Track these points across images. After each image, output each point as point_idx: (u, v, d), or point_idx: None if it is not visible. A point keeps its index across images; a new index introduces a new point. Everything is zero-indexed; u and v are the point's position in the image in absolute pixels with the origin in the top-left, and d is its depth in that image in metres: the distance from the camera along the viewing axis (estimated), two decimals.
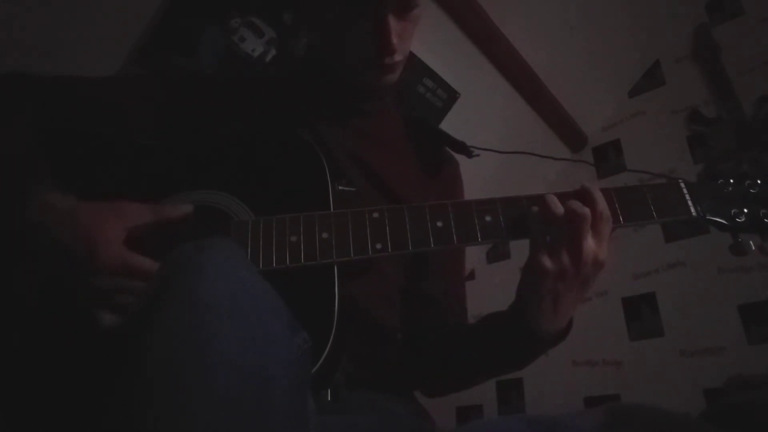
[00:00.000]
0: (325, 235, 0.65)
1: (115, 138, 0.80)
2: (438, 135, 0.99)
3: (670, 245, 1.98)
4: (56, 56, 1.30)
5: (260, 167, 0.75)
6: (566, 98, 2.21)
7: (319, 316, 0.63)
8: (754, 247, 0.72)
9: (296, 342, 0.52)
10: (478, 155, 0.96)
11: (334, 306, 0.64)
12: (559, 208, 0.65)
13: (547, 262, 0.66)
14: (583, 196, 0.67)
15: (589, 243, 0.65)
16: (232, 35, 1.52)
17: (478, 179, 1.46)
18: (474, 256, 2.45)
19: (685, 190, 0.72)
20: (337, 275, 0.66)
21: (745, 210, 0.72)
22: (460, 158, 1.01)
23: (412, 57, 1.00)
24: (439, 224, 0.67)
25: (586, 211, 0.64)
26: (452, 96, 1.93)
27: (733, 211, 0.72)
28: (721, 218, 0.72)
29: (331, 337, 0.62)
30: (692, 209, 0.71)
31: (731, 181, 0.74)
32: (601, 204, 0.66)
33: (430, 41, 1.75)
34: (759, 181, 0.74)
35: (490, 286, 2.32)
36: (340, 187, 0.78)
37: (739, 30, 2.08)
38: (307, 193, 0.72)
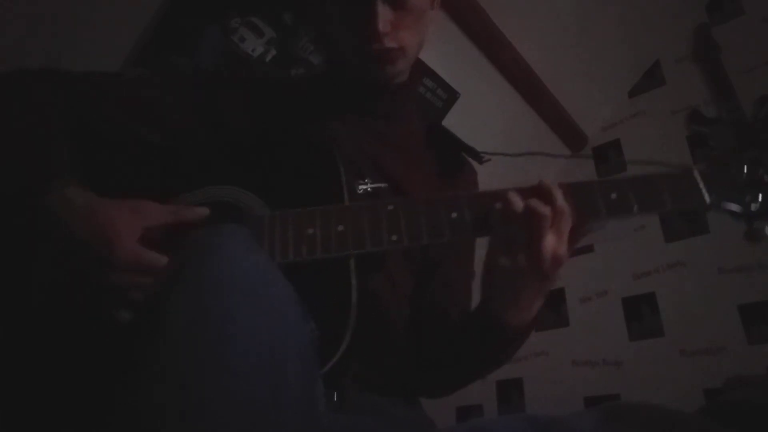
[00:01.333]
0: (341, 228, 0.66)
1: (136, 135, 0.82)
2: (452, 140, 0.99)
3: (670, 245, 1.98)
4: (56, 56, 1.30)
5: (276, 165, 0.76)
6: (566, 98, 2.21)
7: (334, 314, 0.64)
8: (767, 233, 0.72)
9: (306, 328, 0.53)
10: (489, 160, 0.96)
11: (351, 303, 0.65)
12: (519, 206, 0.65)
13: (504, 259, 0.67)
14: (542, 192, 0.67)
15: (549, 240, 0.65)
16: (232, 35, 1.52)
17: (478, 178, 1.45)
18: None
19: (699, 179, 0.70)
20: (354, 269, 0.67)
21: (760, 197, 0.71)
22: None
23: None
24: (454, 215, 0.68)
25: (546, 209, 0.64)
26: (452, 96, 1.93)
27: (747, 198, 0.71)
28: (735, 206, 0.71)
29: (348, 333, 0.63)
30: (706, 197, 0.70)
31: (745, 168, 0.73)
32: (560, 200, 0.65)
33: (431, 41, 1.75)
34: None
35: None
36: (360, 188, 0.80)
37: (739, 30, 2.08)
38: (322, 192, 0.73)
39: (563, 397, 1.99)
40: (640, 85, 2.31)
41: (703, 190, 0.70)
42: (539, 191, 0.67)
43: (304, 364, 0.48)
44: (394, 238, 0.66)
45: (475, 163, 0.99)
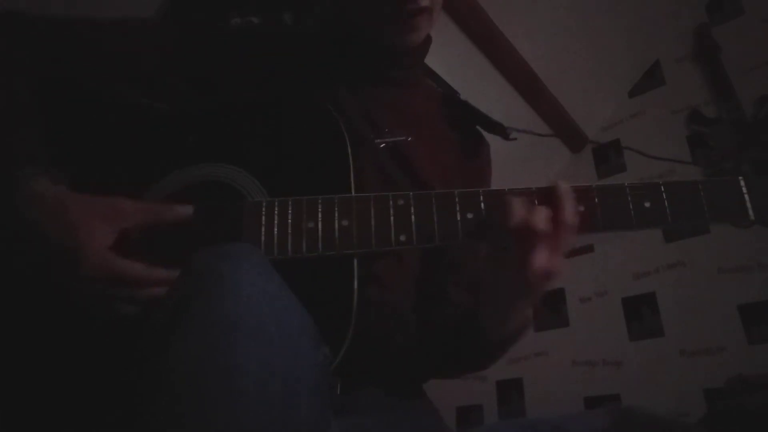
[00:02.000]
0: (345, 223, 0.60)
1: (118, 94, 0.74)
2: (474, 114, 0.90)
3: (670, 245, 1.98)
4: None
5: (276, 139, 0.69)
6: (566, 98, 2.21)
7: (336, 312, 0.60)
8: None
9: (320, 357, 0.51)
10: (515, 139, 0.88)
11: (353, 302, 0.61)
12: (516, 217, 0.59)
13: (492, 269, 0.63)
14: (552, 198, 0.60)
15: (542, 255, 0.58)
16: None
17: None
18: None
19: (744, 189, 0.62)
20: (356, 267, 0.62)
21: None
22: None
23: None
24: (470, 216, 0.62)
25: (545, 228, 0.58)
26: None
27: None
28: None
29: (349, 335, 0.59)
30: (750, 211, 0.62)
31: None
32: (568, 212, 0.59)
33: None
34: None
35: None
36: (380, 142, 0.74)
37: (739, 30, 2.08)
38: (326, 169, 0.67)
39: (563, 397, 1.99)
40: (640, 85, 2.31)
41: (748, 204, 0.62)
42: (551, 196, 0.60)
43: (316, 396, 0.46)
44: (403, 238, 0.61)
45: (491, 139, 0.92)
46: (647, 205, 0.61)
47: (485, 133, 0.93)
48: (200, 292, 0.45)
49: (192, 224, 0.62)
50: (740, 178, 0.63)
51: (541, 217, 0.58)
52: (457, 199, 0.62)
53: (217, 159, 0.68)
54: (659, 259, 1.97)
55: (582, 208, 0.61)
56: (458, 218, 0.61)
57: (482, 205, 0.62)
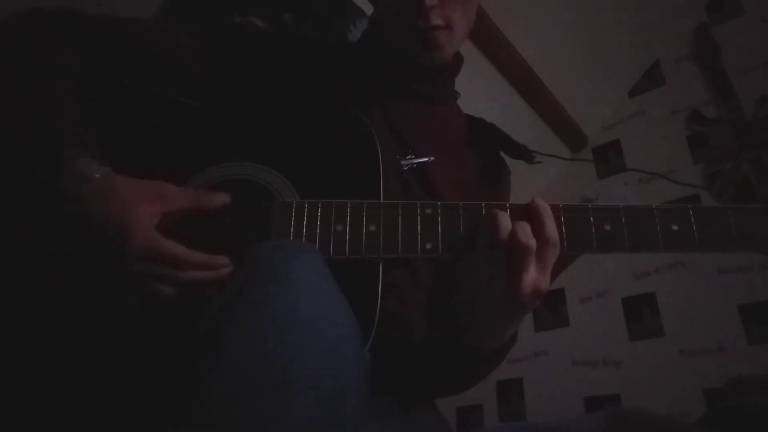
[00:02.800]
0: (372, 228, 0.61)
1: (162, 93, 0.76)
2: (500, 137, 0.90)
3: None
4: None
5: (309, 143, 0.71)
6: (566, 98, 2.21)
7: (358, 317, 0.60)
8: None
9: (363, 360, 0.51)
10: (540, 162, 0.88)
11: (376, 309, 0.61)
12: (505, 231, 0.58)
13: (481, 285, 0.63)
14: (532, 215, 0.60)
15: (530, 274, 0.58)
16: None
17: None
18: None
19: None
20: (381, 273, 0.63)
21: None
22: None
23: None
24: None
25: (532, 243, 0.57)
26: None
27: None
28: None
29: (370, 339, 0.60)
30: None
31: None
32: (549, 228, 0.59)
33: None
34: None
35: None
36: (405, 165, 0.75)
37: (739, 30, 2.08)
38: (356, 176, 0.68)
39: (563, 397, 1.99)
40: (640, 85, 2.31)
41: None
42: (530, 212, 0.61)
43: (359, 402, 0.46)
44: (429, 246, 0.61)
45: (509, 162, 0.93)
46: (675, 228, 0.61)
47: (507, 159, 0.93)
48: (257, 283, 0.46)
49: (227, 216, 0.64)
50: None
51: (524, 231, 0.58)
52: (483, 211, 0.62)
53: (250, 158, 0.70)
54: (659, 259, 1.97)
55: (608, 227, 0.61)
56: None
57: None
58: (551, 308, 2.18)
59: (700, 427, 0.49)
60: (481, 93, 2.00)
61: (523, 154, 0.88)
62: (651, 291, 1.96)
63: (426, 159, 0.78)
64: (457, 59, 0.90)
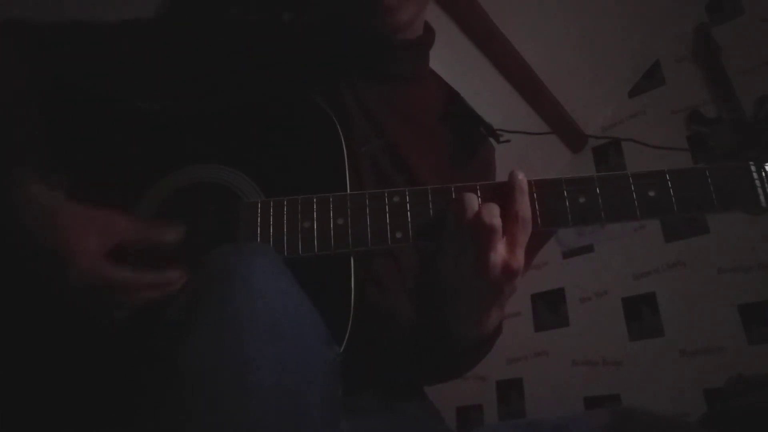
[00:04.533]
0: (340, 221, 0.60)
1: (116, 98, 0.74)
2: (469, 114, 0.88)
3: (670, 245, 1.98)
4: None
5: (271, 138, 0.69)
6: (566, 98, 2.21)
7: (334, 313, 0.59)
8: None
9: (330, 356, 0.51)
10: (507, 141, 0.86)
11: (351, 303, 0.61)
12: (471, 213, 0.57)
13: (451, 268, 0.61)
14: (506, 192, 0.59)
15: (498, 253, 0.57)
16: None
17: None
18: None
19: (755, 175, 0.60)
20: (353, 267, 0.62)
21: None
22: None
23: None
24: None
25: (496, 223, 0.56)
26: None
27: None
28: None
29: (347, 334, 0.59)
30: (762, 198, 0.59)
31: None
32: (520, 204, 0.58)
33: None
34: None
35: None
36: (363, 149, 0.73)
37: (739, 30, 2.08)
38: (321, 167, 0.67)
39: (563, 397, 1.99)
40: (640, 85, 2.31)
41: (759, 189, 0.59)
42: (503, 190, 0.59)
43: (328, 393, 0.46)
44: (399, 235, 0.60)
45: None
46: (652, 194, 0.59)
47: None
48: (212, 288, 0.45)
49: (184, 243, 0.62)
50: (751, 163, 0.60)
51: (489, 212, 0.57)
52: (453, 195, 0.61)
53: (212, 160, 0.69)
54: (659, 259, 1.97)
55: (582, 200, 0.60)
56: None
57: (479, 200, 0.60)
58: (551, 308, 2.18)
59: (701, 427, 0.49)
60: (481, 93, 2.00)
61: (489, 132, 0.86)
62: (651, 291, 1.96)
63: (382, 140, 0.76)
64: (427, 33, 0.86)
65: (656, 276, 1.97)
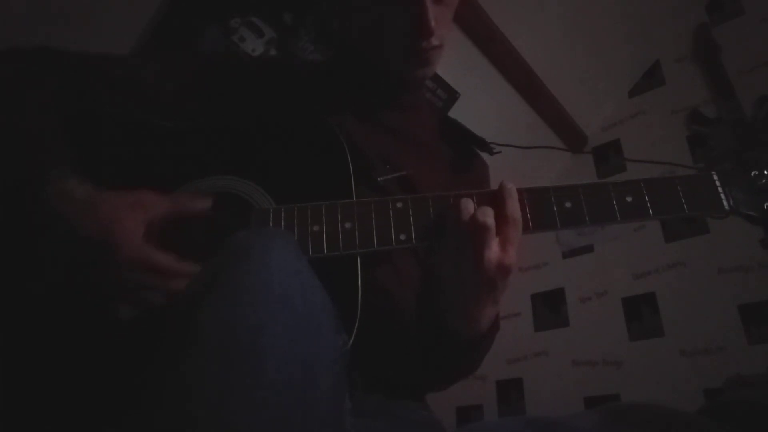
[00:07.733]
0: (348, 225, 0.65)
1: (136, 119, 0.79)
2: (462, 132, 0.95)
3: (670, 245, 1.98)
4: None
5: (283, 155, 0.74)
6: (566, 98, 2.21)
7: (342, 311, 0.61)
8: None
9: (339, 341, 0.52)
10: (499, 152, 0.93)
11: (358, 301, 0.64)
12: (467, 215, 0.63)
13: (447, 267, 0.66)
14: (497, 197, 0.65)
15: (492, 250, 0.62)
16: (232, 35, 1.52)
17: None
18: None
19: (718, 183, 0.68)
20: (360, 267, 0.66)
21: None
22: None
23: None
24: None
25: (489, 222, 0.62)
26: (452, 96, 1.93)
27: (766, 205, 0.68)
28: (753, 211, 0.68)
29: (354, 331, 0.61)
30: (725, 202, 0.67)
31: (765, 172, 0.70)
32: (510, 207, 0.64)
33: None
34: None
35: None
36: (380, 179, 0.78)
37: (739, 30, 2.08)
38: (328, 184, 0.71)
39: (563, 397, 1.99)
40: (640, 85, 2.31)
41: (722, 195, 0.67)
42: (495, 196, 0.65)
43: (335, 378, 0.47)
44: (403, 237, 0.65)
45: (486, 156, 0.97)
46: (629, 199, 0.66)
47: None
48: (231, 262, 0.48)
49: (208, 228, 0.66)
50: (713, 173, 0.69)
51: (484, 212, 0.62)
52: (452, 201, 0.67)
53: (226, 172, 0.73)
54: (659, 259, 1.97)
55: (568, 204, 0.66)
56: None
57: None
58: (551, 308, 2.18)
59: (702, 417, 0.49)
60: (481, 93, 2.01)
61: (483, 146, 0.94)
62: (651, 291, 1.96)
63: (403, 173, 0.82)
64: None
65: (656, 276, 1.97)
